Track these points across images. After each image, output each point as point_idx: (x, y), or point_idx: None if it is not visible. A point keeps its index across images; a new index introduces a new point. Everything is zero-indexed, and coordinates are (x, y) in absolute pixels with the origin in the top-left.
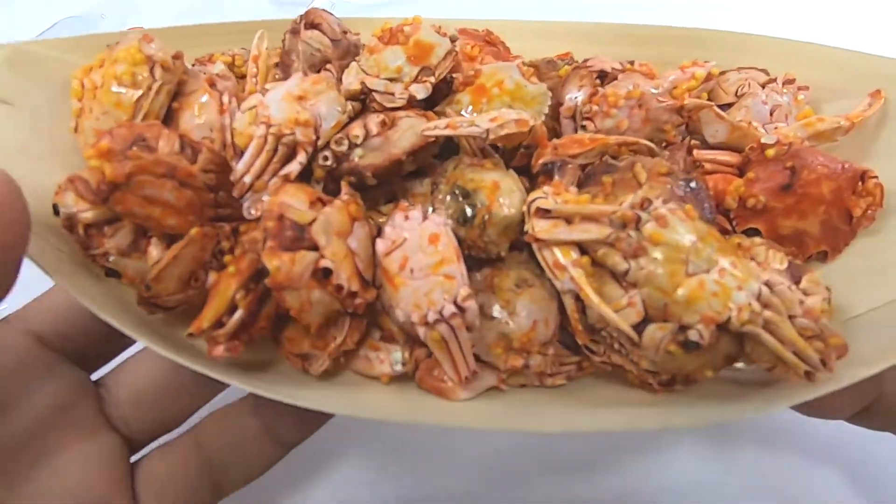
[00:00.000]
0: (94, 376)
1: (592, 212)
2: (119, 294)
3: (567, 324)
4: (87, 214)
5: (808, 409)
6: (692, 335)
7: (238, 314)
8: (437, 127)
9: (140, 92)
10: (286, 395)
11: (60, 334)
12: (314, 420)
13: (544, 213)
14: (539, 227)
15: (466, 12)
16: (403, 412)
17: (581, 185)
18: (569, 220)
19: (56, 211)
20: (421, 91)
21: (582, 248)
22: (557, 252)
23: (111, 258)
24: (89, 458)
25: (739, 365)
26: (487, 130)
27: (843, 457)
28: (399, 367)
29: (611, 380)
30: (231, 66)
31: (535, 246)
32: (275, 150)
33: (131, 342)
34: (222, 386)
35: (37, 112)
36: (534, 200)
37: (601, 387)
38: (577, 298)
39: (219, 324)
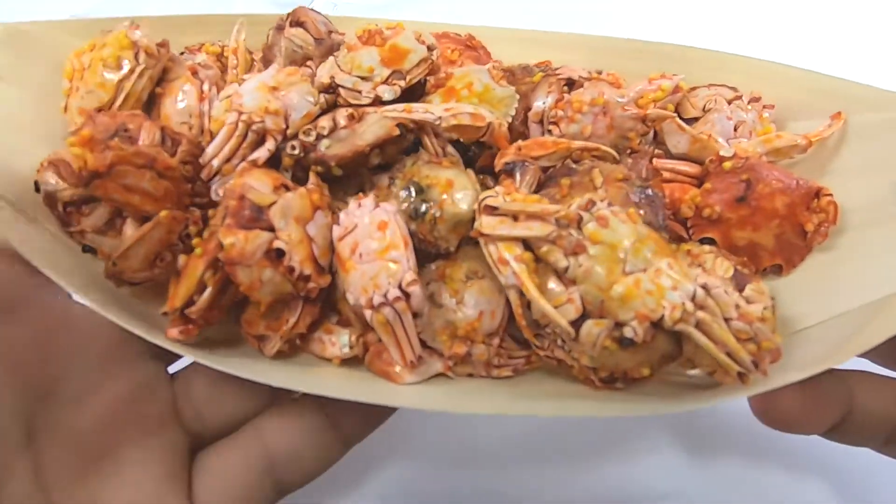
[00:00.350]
0: (171, 370)
1: (537, 210)
2: (95, 269)
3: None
4: (66, 193)
5: (780, 424)
6: (627, 332)
7: (207, 292)
8: (395, 110)
9: (123, 74)
10: (241, 370)
11: None
12: (376, 416)
13: (492, 210)
14: (486, 223)
15: (472, 18)
16: (350, 391)
17: (542, 187)
18: (515, 217)
19: (37, 188)
20: (388, 93)
21: (527, 245)
22: (502, 247)
23: (88, 235)
24: (152, 453)
25: (693, 372)
26: (440, 118)
27: (825, 469)
28: (346, 350)
29: (556, 375)
30: (220, 56)
31: (481, 241)
32: (244, 137)
33: None
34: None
35: (28, 90)
36: (484, 198)
37: (546, 380)
38: (521, 294)
39: (190, 302)
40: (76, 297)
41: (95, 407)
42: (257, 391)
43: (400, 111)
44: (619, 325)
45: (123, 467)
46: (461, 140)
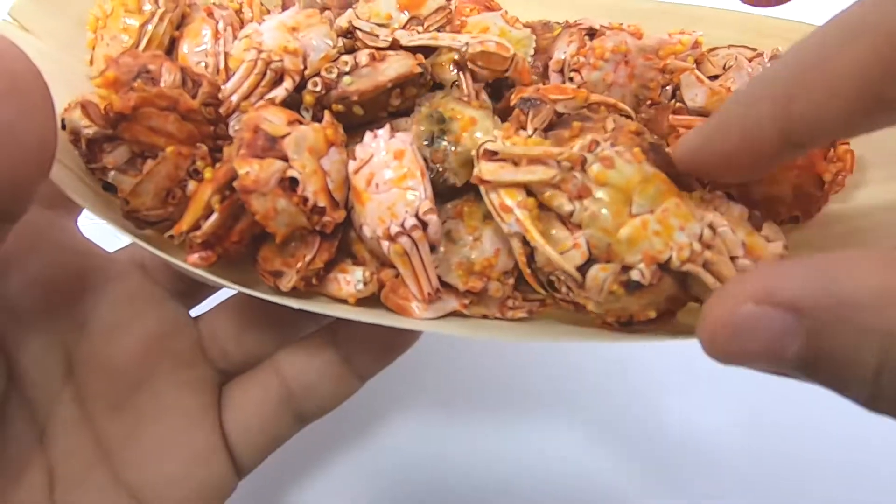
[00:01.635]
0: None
1: (539, 154)
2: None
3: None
4: (90, 131)
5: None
6: (634, 275)
7: (214, 217)
8: (422, 38)
9: (144, 17)
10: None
11: (162, 270)
12: (389, 351)
13: (492, 156)
14: (485, 169)
15: None
16: (365, 317)
17: (552, 128)
18: (517, 162)
19: (63, 125)
20: (405, 37)
21: (529, 191)
22: (503, 194)
23: (110, 173)
24: (185, 386)
25: None
26: (467, 44)
27: None
28: (361, 287)
29: (571, 320)
30: (238, 12)
31: (482, 189)
32: (263, 75)
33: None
34: (310, 322)
35: (55, 41)
36: (483, 143)
37: (560, 324)
38: (525, 242)
39: (197, 227)
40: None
41: (128, 341)
42: (276, 330)
43: (427, 38)
44: (626, 268)
45: (161, 399)
46: (488, 79)
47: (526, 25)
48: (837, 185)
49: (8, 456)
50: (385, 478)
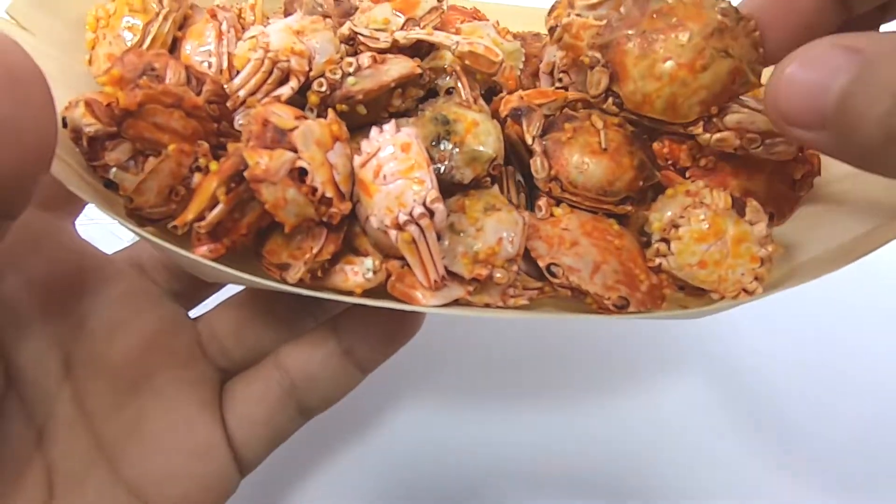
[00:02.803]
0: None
1: None
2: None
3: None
4: (91, 128)
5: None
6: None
7: (219, 208)
8: (418, 32)
9: (149, 17)
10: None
11: (160, 271)
12: (391, 343)
13: None
14: None
15: None
16: (373, 303)
17: (546, 132)
18: None
19: (64, 123)
20: (404, 38)
21: None
22: None
23: (111, 170)
24: (184, 383)
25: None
26: (458, 42)
27: None
28: (370, 275)
29: (569, 306)
30: (239, 17)
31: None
32: (270, 73)
33: (223, 286)
34: (309, 318)
35: (52, 41)
36: None
37: (558, 310)
38: None
39: (201, 218)
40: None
41: (126, 341)
42: (277, 325)
43: (423, 34)
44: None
45: (160, 397)
46: (477, 77)
47: (517, 36)
48: (807, 186)
49: (6, 456)
50: (389, 470)
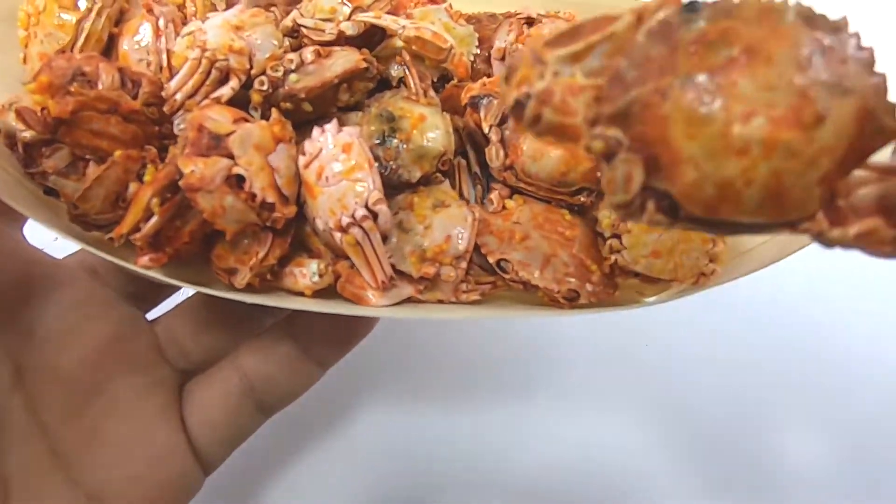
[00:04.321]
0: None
1: None
2: (61, 216)
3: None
4: (27, 134)
5: None
6: None
7: (153, 220)
8: (366, 15)
9: (81, 13)
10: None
11: (115, 273)
12: (347, 340)
13: None
14: None
15: None
16: (321, 307)
17: (504, 120)
18: None
19: None
20: (351, 28)
21: None
22: None
23: (50, 177)
24: (142, 388)
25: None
26: (404, 27)
27: None
28: (316, 279)
29: (522, 301)
30: (182, 6)
31: None
32: (208, 74)
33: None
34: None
35: None
36: None
37: (512, 305)
38: None
39: (137, 230)
40: (57, 235)
41: (79, 347)
42: (234, 328)
43: (370, 17)
44: None
45: (117, 403)
46: (426, 64)
47: (472, 17)
48: None
49: None
50: (354, 471)
